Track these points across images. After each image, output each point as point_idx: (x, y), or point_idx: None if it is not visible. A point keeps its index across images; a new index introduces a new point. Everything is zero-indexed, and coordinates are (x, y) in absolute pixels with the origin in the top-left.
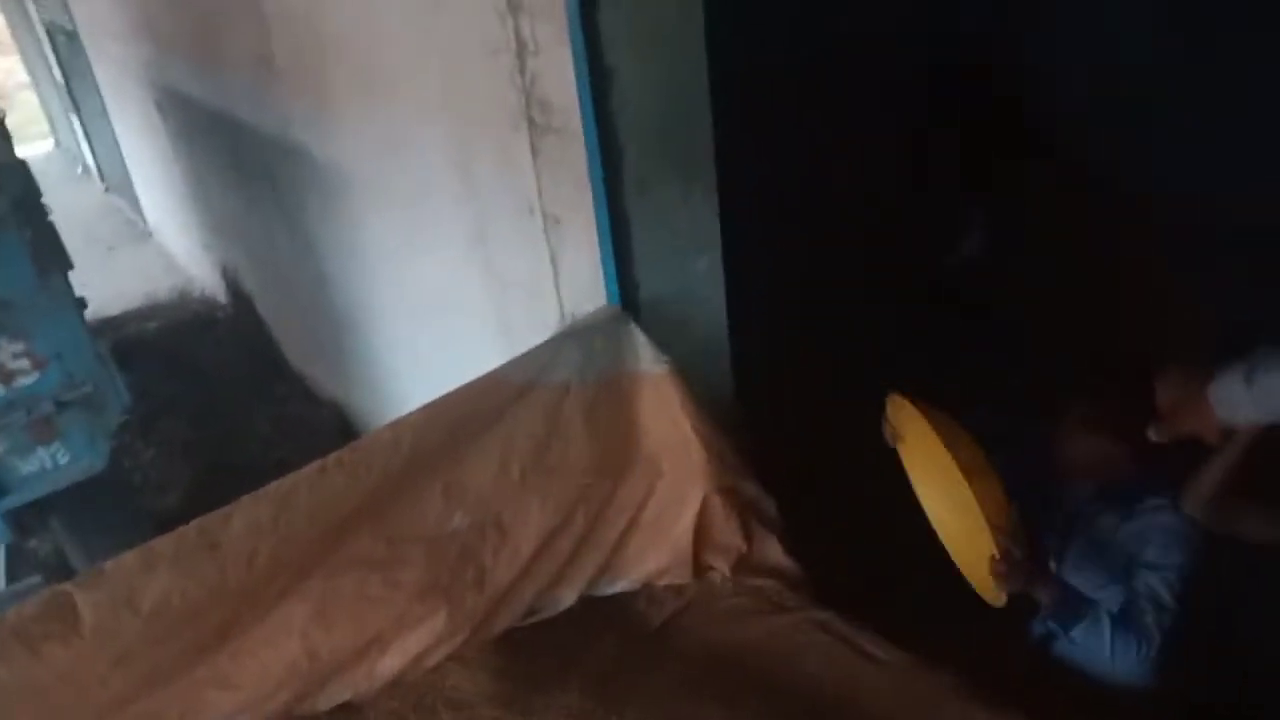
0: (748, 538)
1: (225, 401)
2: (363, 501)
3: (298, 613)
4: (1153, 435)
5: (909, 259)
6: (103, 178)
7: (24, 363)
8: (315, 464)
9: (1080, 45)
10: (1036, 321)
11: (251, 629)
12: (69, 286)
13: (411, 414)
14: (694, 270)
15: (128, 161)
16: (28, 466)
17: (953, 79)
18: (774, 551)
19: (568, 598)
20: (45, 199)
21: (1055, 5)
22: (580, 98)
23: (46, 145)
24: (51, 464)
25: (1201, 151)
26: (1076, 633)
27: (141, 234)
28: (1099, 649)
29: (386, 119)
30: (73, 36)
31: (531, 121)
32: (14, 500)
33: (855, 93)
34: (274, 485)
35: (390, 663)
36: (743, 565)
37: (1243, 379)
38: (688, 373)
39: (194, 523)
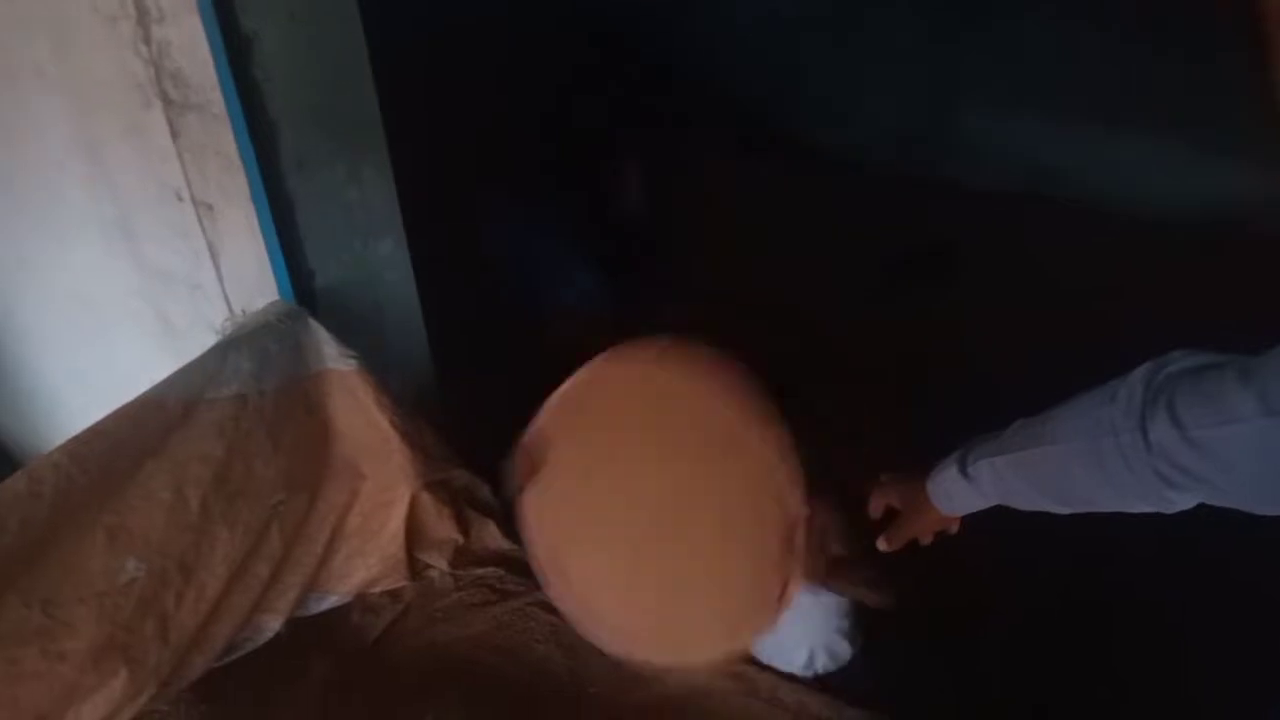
0: (463, 528)
1: None
2: (1, 566)
3: None
4: (882, 546)
5: (580, 219)
6: None
7: None
8: None
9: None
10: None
11: None
12: None
13: (51, 453)
14: (375, 254)
15: None
16: None
17: (601, 45)
18: (492, 536)
19: (272, 625)
20: None
21: None
22: (218, 70)
23: None
24: None
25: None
26: None
27: None
28: None
29: None
30: None
31: (165, 98)
32: None
33: (513, 60)
34: None
35: None
36: (461, 557)
37: (957, 470)
38: (380, 364)
39: None
